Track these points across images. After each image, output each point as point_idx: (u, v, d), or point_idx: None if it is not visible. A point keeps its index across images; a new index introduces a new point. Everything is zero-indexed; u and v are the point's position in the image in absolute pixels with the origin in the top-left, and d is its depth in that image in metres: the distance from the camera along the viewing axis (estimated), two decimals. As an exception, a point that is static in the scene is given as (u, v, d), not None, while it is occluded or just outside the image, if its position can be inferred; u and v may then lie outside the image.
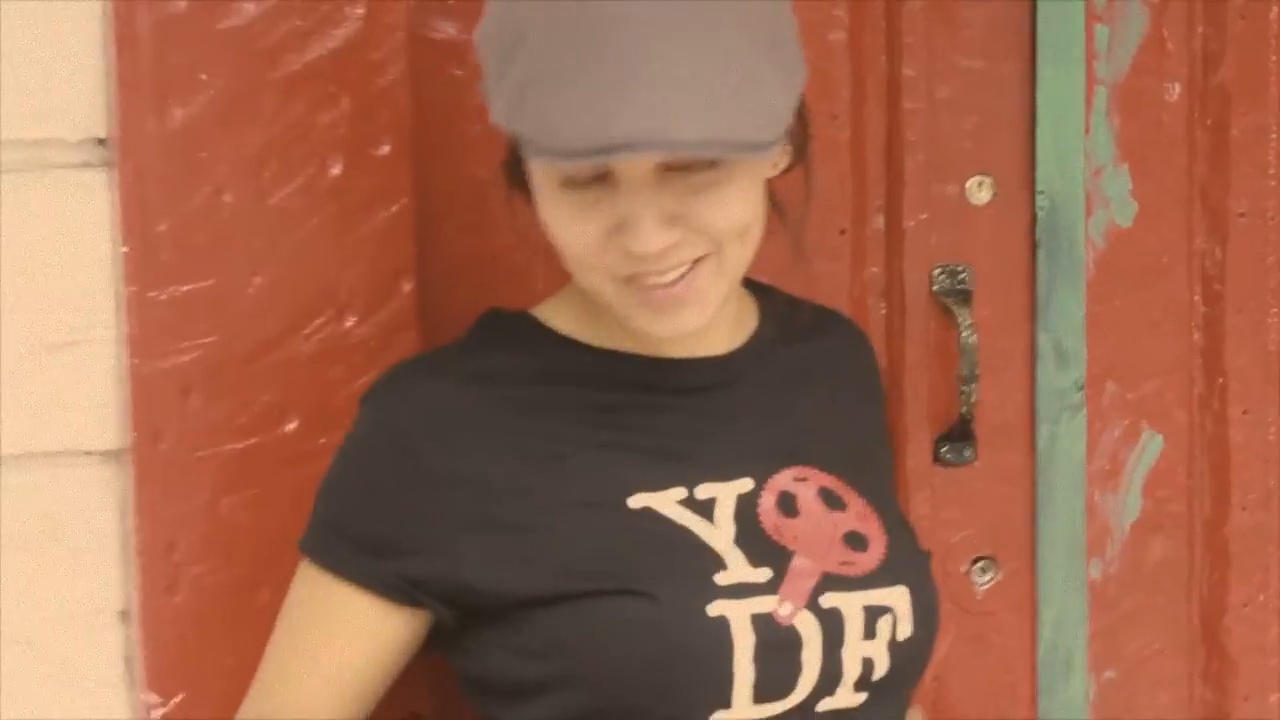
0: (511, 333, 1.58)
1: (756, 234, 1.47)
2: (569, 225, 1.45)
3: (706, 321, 1.48)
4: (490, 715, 1.53)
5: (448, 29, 1.82)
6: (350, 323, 1.66)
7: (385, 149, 1.67)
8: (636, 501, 1.49)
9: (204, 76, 1.61)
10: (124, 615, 1.68)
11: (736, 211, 1.43)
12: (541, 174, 1.44)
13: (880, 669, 1.49)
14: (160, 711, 1.65)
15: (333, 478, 1.56)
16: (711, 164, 1.41)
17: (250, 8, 1.62)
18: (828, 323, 1.72)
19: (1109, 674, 2.07)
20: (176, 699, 1.65)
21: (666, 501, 1.50)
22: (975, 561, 2.03)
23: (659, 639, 1.43)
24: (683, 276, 1.44)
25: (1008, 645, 2.05)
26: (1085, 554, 2.05)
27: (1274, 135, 2.07)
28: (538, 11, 1.40)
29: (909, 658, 1.53)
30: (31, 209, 1.66)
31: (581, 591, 1.45)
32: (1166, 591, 2.09)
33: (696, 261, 1.43)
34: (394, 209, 1.68)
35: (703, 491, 1.51)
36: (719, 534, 1.49)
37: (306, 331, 1.66)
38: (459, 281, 1.79)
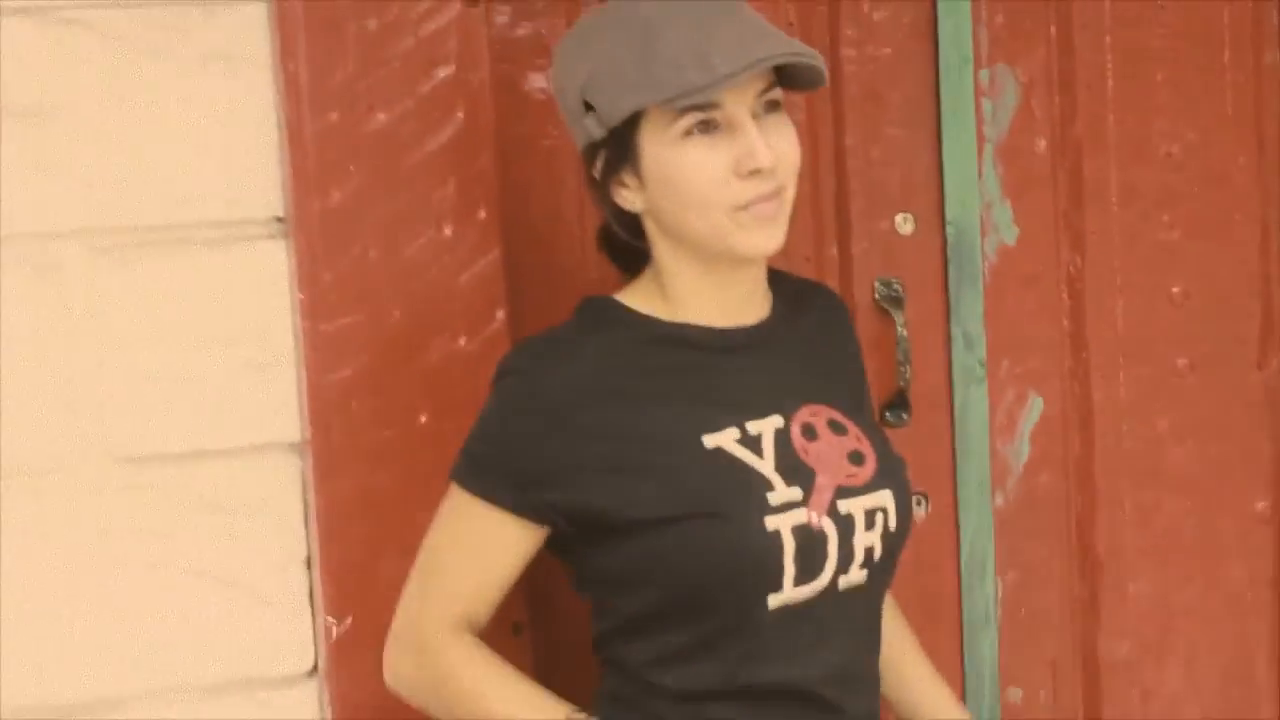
0: (605, 314, 1.66)
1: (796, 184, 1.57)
2: (698, 168, 1.53)
3: (781, 243, 1.57)
4: (600, 601, 1.63)
5: (524, 128, 1.95)
6: (462, 342, 1.80)
7: (482, 214, 1.80)
8: (710, 442, 1.58)
9: (352, 168, 1.76)
10: (308, 562, 1.82)
11: (795, 146, 1.56)
12: (664, 138, 1.52)
13: (878, 554, 1.61)
14: (337, 629, 1.79)
15: (484, 428, 1.61)
16: (776, 108, 1.55)
17: (382, 117, 1.77)
18: (818, 293, 1.80)
19: (1011, 575, 2.20)
20: (348, 620, 1.79)
21: (728, 440, 1.59)
22: (913, 497, 2.02)
23: (732, 548, 1.54)
24: (776, 195, 1.55)
25: (939, 558, 2.18)
26: (991, 488, 2.18)
27: (1114, 174, 2.19)
28: (653, 11, 1.54)
29: (896, 542, 1.64)
30: (233, 270, 1.80)
31: (677, 515, 1.55)
32: (1051, 512, 2.21)
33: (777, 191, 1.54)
34: (490, 257, 1.81)
35: (752, 428, 1.60)
36: (766, 464, 1.59)
37: (431, 349, 1.79)
38: (538, 308, 1.89)
